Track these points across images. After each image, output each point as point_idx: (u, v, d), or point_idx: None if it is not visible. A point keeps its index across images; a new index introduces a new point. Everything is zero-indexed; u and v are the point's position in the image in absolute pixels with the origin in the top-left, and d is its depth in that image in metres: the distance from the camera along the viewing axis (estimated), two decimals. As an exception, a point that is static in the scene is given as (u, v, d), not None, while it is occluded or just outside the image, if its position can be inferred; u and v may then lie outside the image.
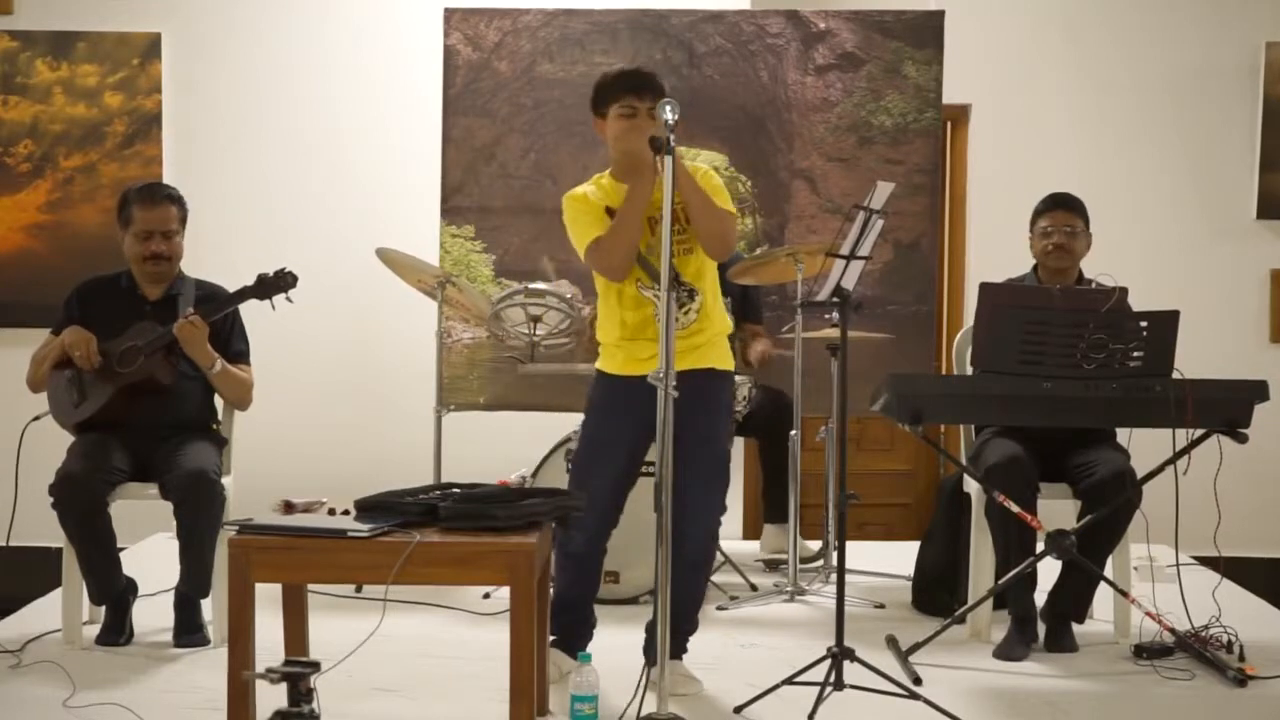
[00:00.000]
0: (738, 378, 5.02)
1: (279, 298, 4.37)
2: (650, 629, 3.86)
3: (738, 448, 6.09)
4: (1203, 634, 4.21)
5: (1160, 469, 4.15)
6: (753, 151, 5.79)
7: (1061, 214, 4.54)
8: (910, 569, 5.02)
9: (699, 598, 3.96)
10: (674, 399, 3.41)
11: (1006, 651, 4.25)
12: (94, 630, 4.35)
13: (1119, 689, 3.99)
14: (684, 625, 3.89)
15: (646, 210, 3.72)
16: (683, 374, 3.52)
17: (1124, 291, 4.07)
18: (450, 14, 5.78)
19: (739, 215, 5.77)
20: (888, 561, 5.46)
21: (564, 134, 5.66)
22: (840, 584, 3.73)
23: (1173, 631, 4.18)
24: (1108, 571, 4.34)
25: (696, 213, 3.70)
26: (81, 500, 4.16)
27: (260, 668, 3.11)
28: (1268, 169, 6.34)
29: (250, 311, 4.46)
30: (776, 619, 4.75)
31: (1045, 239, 4.54)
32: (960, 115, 6.58)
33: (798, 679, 3.70)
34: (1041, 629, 4.37)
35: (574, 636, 3.89)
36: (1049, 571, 4.35)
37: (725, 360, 3.91)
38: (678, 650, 3.88)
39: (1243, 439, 4.04)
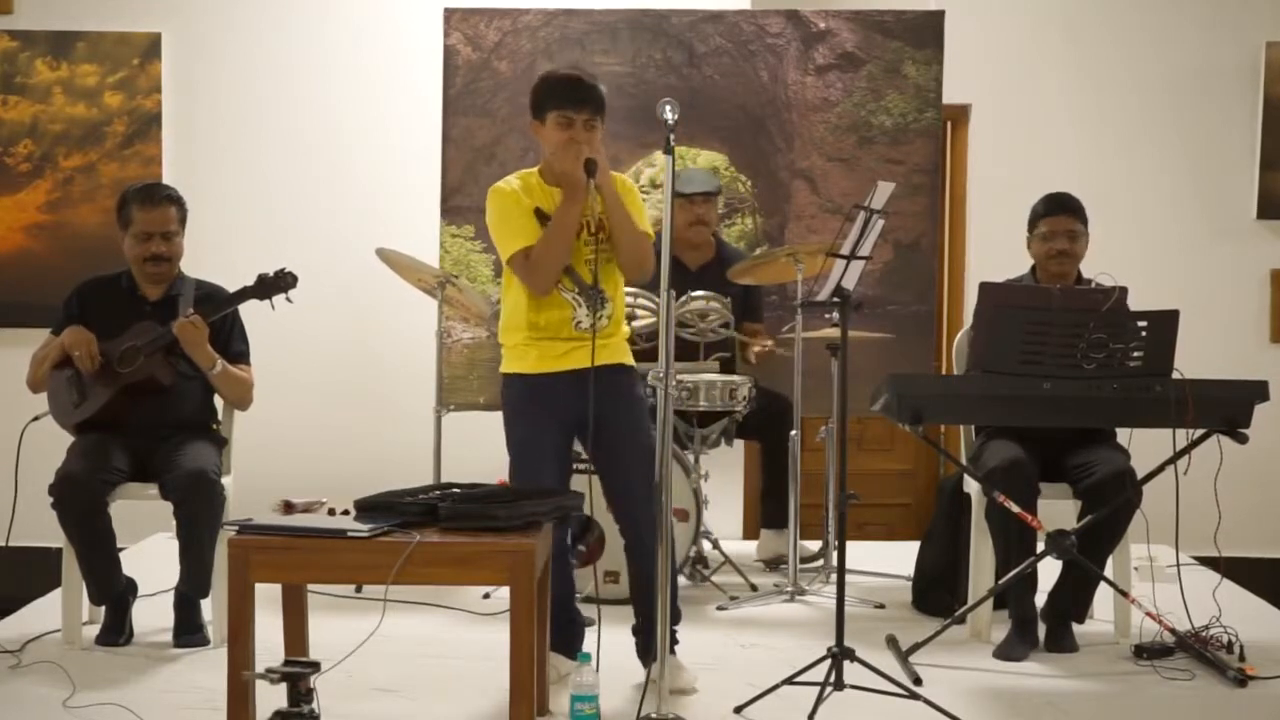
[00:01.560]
0: (738, 378, 5.04)
1: (279, 298, 4.37)
2: (636, 633, 3.87)
3: (737, 449, 6.09)
4: (1203, 634, 4.21)
5: (1160, 469, 4.15)
6: (753, 151, 5.79)
7: (1062, 218, 4.53)
8: (910, 569, 5.02)
9: (673, 584, 3.95)
10: (592, 393, 3.53)
11: (1006, 651, 4.25)
12: (94, 630, 4.35)
13: (1119, 689, 3.99)
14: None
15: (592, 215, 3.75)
16: (602, 369, 3.64)
17: (1124, 291, 4.07)
18: (450, 14, 5.78)
19: (741, 216, 5.78)
20: (888, 561, 5.46)
21: (564, 134, 5.66)
22: (840, 584, 3.73)
23: (1173, 631, 4.18)
24: (1108, 572, 4.34)
25: (620, 237, 3.73)
26: (81, 500, 4.16)
27: (260, 668, 3.12)
28: (1268, 169, 6.34)
29: (250, 311, 4.46)
30: (776, 619, 4.75)
31: (1047, 243, 4.54)
32: (960, 115, 6.58)
33: (798, 679, 3.70)
34: (1041, 629, 4.37)
35: (569, 636, 3.90)
36: (1049, 571, 4.35)
37: (630, 358, 3.92)
38: (670, 645, 3.88)
39: (1243, 439, 4.04)
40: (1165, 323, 4.00)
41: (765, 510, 5.57)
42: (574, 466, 3.99)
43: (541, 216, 3.75)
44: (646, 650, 3.74)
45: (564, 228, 3.71)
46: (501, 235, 3.81)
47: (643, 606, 3.79)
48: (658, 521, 3.45)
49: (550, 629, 3.86)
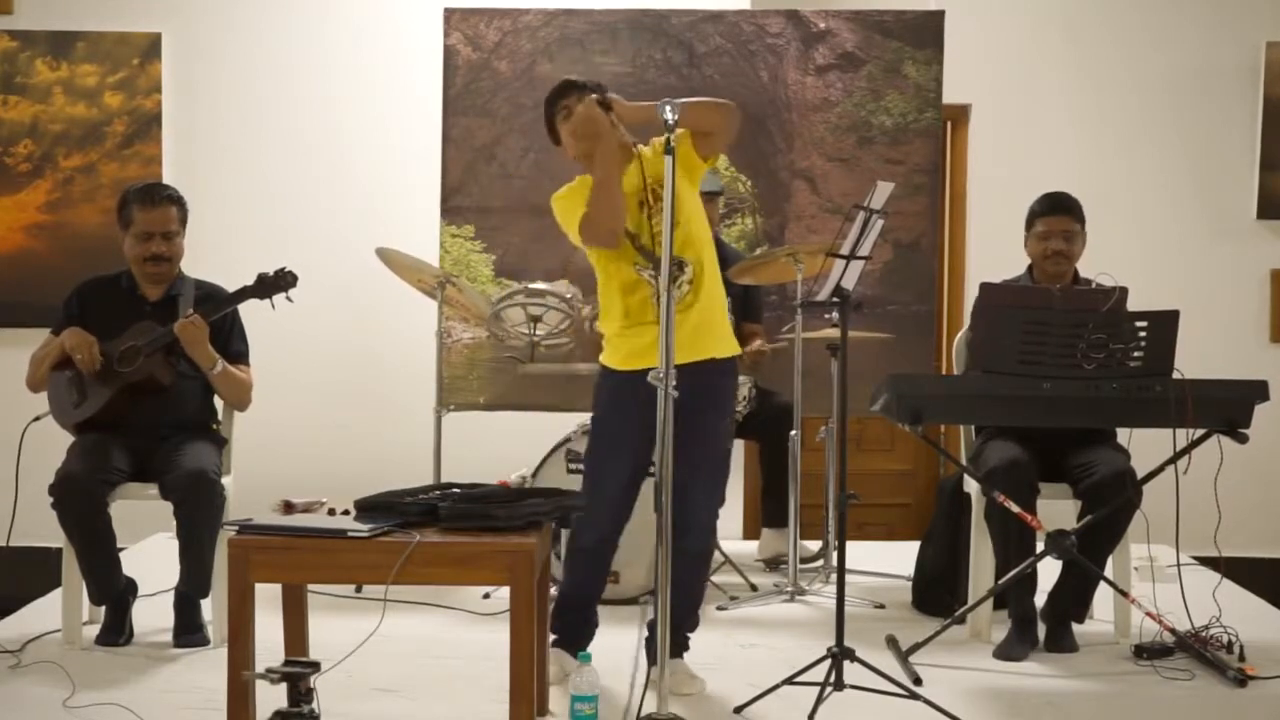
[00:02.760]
0: (738, 377, 5.03)
1: (279, 297, 4.37)
2: (653, 626, 3.86)
3: (738, 448, 6.09)
4: (1203, 634, 4.21)
5: (1160, 469, 4.15)
6: (753, 151, 5.79)
7: (1058, 218, 4.53)
8: (910, 569, 5.02)
9: (699, 595, 3.97)
10: (680, 386, 3.43)
11: (1006, 651, 4.25)
12: (94, 630, 4.36)
13: (1119, 689, 3.99)
14: (685, 622, 3.89)
15: (633, 192, 3.77)
16: (683, 368, 3.52)
17: (1124, 291, 4.07)
18: (450, 14, 5.78)
19: (741, 215, 5.78)
20: (888, 561, 5.46)
21: (564, 134, 5.66)
22: (840, 584, 3.73)
23: (1173, 631, 4.18)
24: (1108, 572, 4.34)
25: (691, 117, 3.63)
26: (81, 500, 4.16)
27: (260, 668, 3.13)
28: (1268, 169, 6.34)
29: (250, 311, 4.46)
30: (776, 619, 4.75)
31: (1043, 243, 4.54)
32: (960, 115, 6.58)
33: (798, 679, 3.70)
34: (1041, 629, 4.37)
35: (577, 636, 3.89)
36: (1049, 572, 4.35)
37: (725, 345, 3.90)
38: (679, 649, 3.89)
39: (1243, 439, 4.04)
40: (1165, 323, 4.00)
41: (766, 509, 5.57)
42: (575, 467, 3.98)
43: None
44: (654, 647, 3.72)
45: (605, 172, 3.72)
46: (567, 223, 3.88)
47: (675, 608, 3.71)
48: (658, 521, 3.43)
49: (564, 626, 3.86)
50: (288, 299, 4.38)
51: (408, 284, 5.26)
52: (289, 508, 3.41)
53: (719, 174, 5.71)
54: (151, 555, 5.25)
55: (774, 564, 5.50)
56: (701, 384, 3.72)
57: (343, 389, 6.31)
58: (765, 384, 5.33)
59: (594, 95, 3.75)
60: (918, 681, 3.87)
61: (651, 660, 3.62)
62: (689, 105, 3.55)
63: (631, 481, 3.90)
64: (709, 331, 3.85)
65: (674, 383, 3.41)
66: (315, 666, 3.14)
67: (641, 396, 3.59)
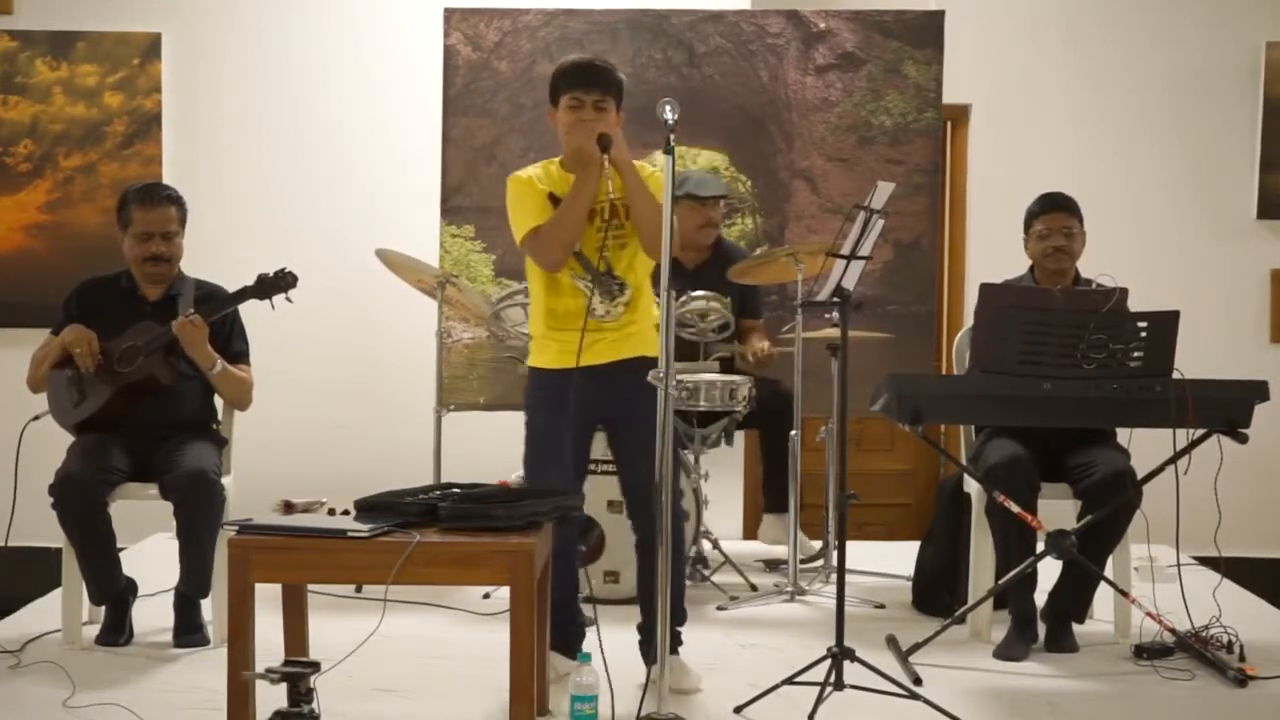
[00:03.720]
0: (738, 378, 5.04)
1: (279, 298, 4.37)
2: (642, 630, 3.86)
3: (737, 449, 6.09)
4: (1203, 634, 4.21)
5: (1160, 469, 4.15)
6: (753, 151, 5.79)
7: (1057, 216, 4.53)
8: (910, 569, 5.02)
9: (680, 585, 3.96)
10: (611, 387, 3.52)
11: (1006, 651, 4.25)
12: (94, 630, 4.35)
13: (1119, 689, 3.99)
14: (673, 617, 3.89)
15: (614, 192, 3.73)
16: (617, 363, 3.64)
17: (1124, 292, 4.06)
18: (450, 14, 5.78)
19: (741, 215, 5.78)
20: (888, 561, 5.46)
21: (564, 134, 5.66)
22: (840, 584, 3.73)
23: (1173, 631, 4.18)
24: (1108, 571, 4.34)
25: (641, 210, 3.69)
26: (81, 500, 4.16)
27: (260, 668, 3.12)
28: (1268, 169, 6.34)
29: (250, 311, 4.46)
30: (776, 619, 4.75)
31: (1042, 242, 4.54)
32: (960, 115, 6.58)
33: (798, 679, 3.70)
34: (1042, 629, 4.37)
35: (568, 637, 3.89)
36: (1049, 571, 4.35)
37: (651, 346, 3.87)
38: (673, 644, 3.88)
39: (1243, 439, 4.04)
40: (1165, 323, 4.00)
41: (766, 496, 5.56)
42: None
43: (555, 200, 3.76)
44: (649, 649, 3.73)
45: (577, 202, 3.70)
46: (516, 217, 3.81)
47: (650, 605, 3.78)
48: (659, 521, 3.44)
49: (551, 629, 3.86)
50: (287, 299, 4.38)
51: (408, 284, 5.26)
52: (289, 508, 3.41)
53: (718, 173, 5.71)
54: (151, 555, 5.24)
55: (774, 563, 5.50)
56: (635, 375, 3.69)
57: (343, 389, 6.31)
58: (764, 375, 5.32)
59: (599, 132, 3.65)
60: (918, 681, 3.87)
61: (649, 662, 3.63)
62: (642, 193, 3.64)
63: (575, 481, 3.88)
64: (641, 338, 3.84)
65: (674, 380, 3.42)
66: (315, 666, 3.14)
67: (573, 394, 3.65)
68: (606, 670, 3.42)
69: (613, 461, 4.06)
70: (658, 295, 3.59)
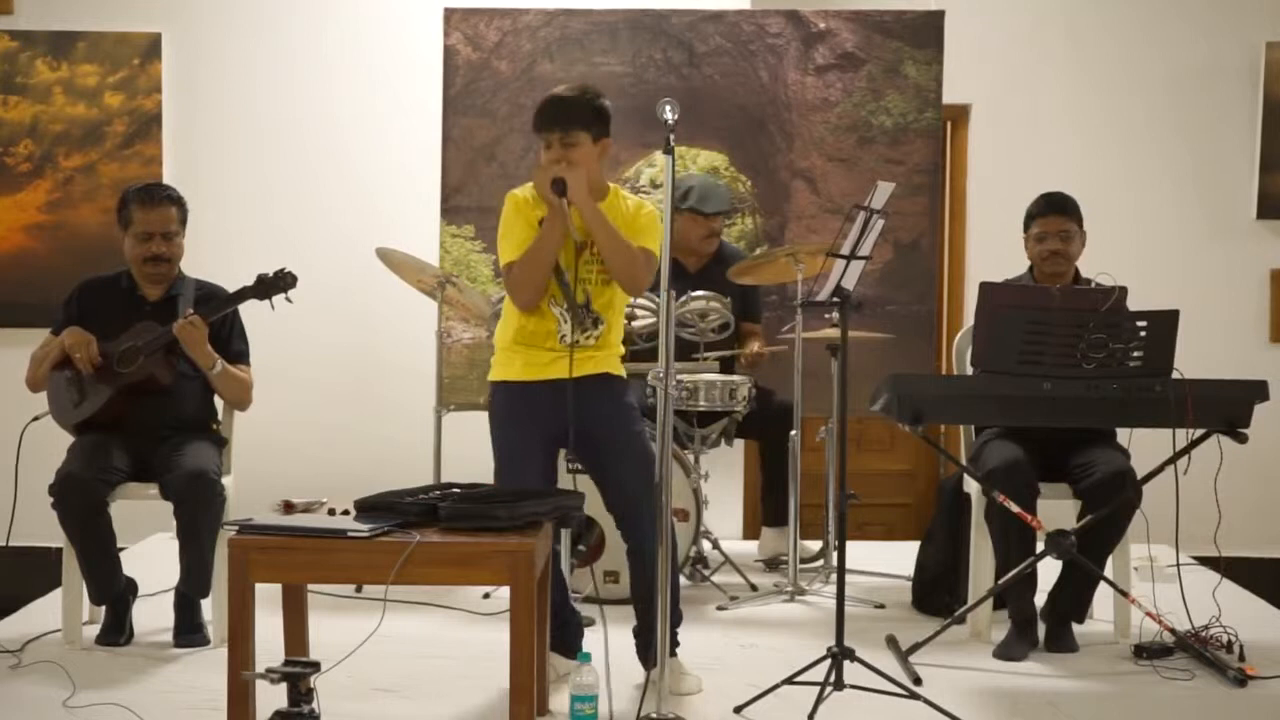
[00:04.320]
0: (738, 378, 5.04)
1: (279, 298, 4.37)
2: (637, 634, 3.86)
3: (737, 449, 6.09)
4: (1203, 634, 4.21)
5: (1160, 469, 4.15)
6: (753, 151, 5.79)
7: (1055, 218, 4.53)
8: (910, 569, 5.02)
9: (675, 587, 3.95)
10: (578, 401, 3.55)
11: (1006, 651, 4.25)
12: (94, 630, 4.35)
13: (1119, 689, 3.99)
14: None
15: (577, 235, 3.70)
16: (582, 378, 3.66)
17: (1124, 291, 4.06)
18: (450, 14, 5.78)
19: (741, 216, 5.78)
20: (888, 561, 5.46)
21: (564, 134, 5.66)
22: (840, 584, 3.72)
23: (1173, 631, 4.18)
24: (1108, 571, 4.34)
25: (605, 250, 3.68)
26: (81, 500, 4.16)
27: (260, 668, 3.12)
28: (1268, 169, 6.34)
29: (250, 311, 4.46)
30: (776, 619, 4.75)
31: (1040, 244, 4.54)
32: (960, 115, 6.58)
33: (798, 679, 3.70)
34: (1041, 629, 4.37)
35: (567, 637, 3.89)
36: (1049, 571, 4.35)
37: (619, 368, 3.88)
38: (671, 646, 3.88)
39: (1243, 439, 4.04)
40: (1165, 323, 4.00)
41: (766, 508, 5.57)
42: (575, 467, 3.98)
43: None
44: (646, 652, 3.74)
45: (540, 248, 3.67)
46: (501, 244, 3.80)
47: (643, 608, 3.79)
48: (658, 521, 3.44)
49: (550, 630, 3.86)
50: (287, 299, 4.38)
51: (408, 284, 5.26)
52: (289, 508, 3.41)
53: (718, 173, 5.71)
54: (151, 555, 5.25)
55: (774, 564, 5.50)
56: (600, 388, 3.74)
57: (343, 389, 6.31)
58: (765, 383, 5.33)
59: (554, 177, 3.61)
60: (918, 681, 3.87)
61: (646, 665, 3.64)
62: (604, 234, 3.64)
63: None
64: (606, 361, 3.83)
65: (674, 382, 3.43)
66: (315, 666, 3.14)
67: (541, 405, 3.69)
68: (607, 670, 3.42)
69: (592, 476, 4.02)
70: (656, 297, 3.59)
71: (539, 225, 3.72)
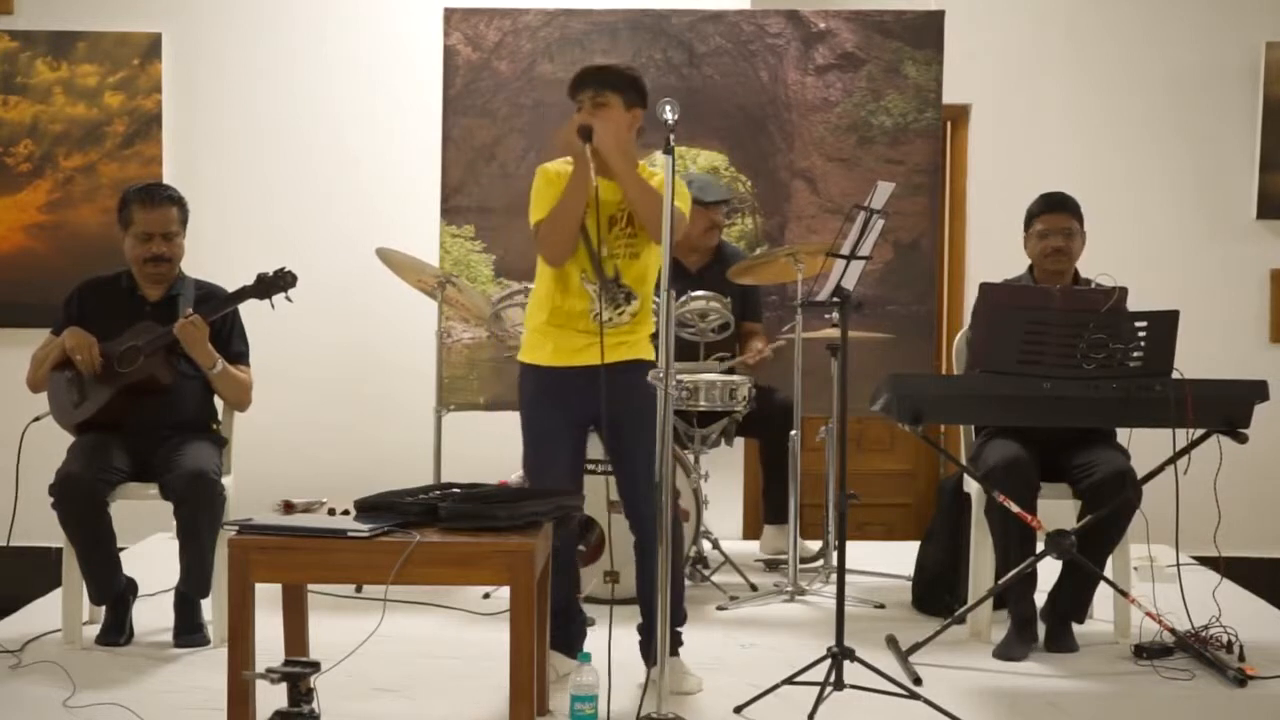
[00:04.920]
0: (737, 377, 5.04)
1: (279, 297, 4.37)
2: (642, 631, 3.87)
3: (737, 448, 6.09)
4: (1203, 634, 4.21)
5: (1160, 469, 4.15)
6: (753, 151, 5.79)
7: (1056, 216, 4.54)
8: (910, 569, 5.02)
9: (679, 586, 3.96)
10: (610, 387, 3.52)
11: (1006, 651, 4.25)
12: (94, 630, 4.35)
13: (1119, 689, 3.99)
14: (672, 617, 3.89)
15: (606, 210, 3.73)
16: (613, 365, 3.65)
17: (1124, 291, 4.07)
18: (450, 14, 5.78)
19: (741, 216, 5.78)
20: (888, 561, 5.46)
21: (564, 134, 5.66)
22: (840, 584, 3.73)
23: (1173, 631, 4.18)
24: (1108, 571, 4.34)
25: (631, 197, 3.71)
26: (81, 500, 4.16)
27: (260, 668, 3.12)
28: (1268, 169, 6.34)
29: (250, 311, 4.46)
30: (776, 619, 4.75)
31: (1042, 241, 4.54)
32: (960, 115, 6.58)
33: (798, 679, 3.70)
34: (1041, 629, 4.37)
35: (568, 636, 3.90)
36: (1049, 571, 4.35)
37: (650, 352, 3.90)
38: (673, 646, 3.88)
39: (1243, 439, 4.04)
40: (1165, 323, 4.00)
41: (767, 506, 5.57)
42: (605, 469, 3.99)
43: None
44: (649, 650, 3.74)
45: (567, 197, 3.72)
46: (532, 208, 3.85)
47: (649, 605, 3.78)
48: (658, 520, 3.44)
49: (552, 629, 3.86)
50: (287, 299, 4.38)
51: (408, 284, 5.26)
52: (289, 508, 3.41)
53: (718, 173, 5.71)
54: (151, 555, 5.25)
55: (774, 563, 5.50)
56: (630, 377, 3.73)
57: (343, 389, 6.31)
58: (765, 381, 5.33)
59: (579, 121, 3.70)
60: (918, 681, 3.87)
61: (649, 662, 3.63)
62: (629, 179, 3.66)
63: (574, 479, 3.89)
64: (639, 345, 3.87)
65: (674, 380, 3.43)
66: (315, 666, 3.14)
67: (570, 391, 3.69)
68: (608, 670, 3.42)
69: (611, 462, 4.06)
70: (656, 298, 3.59)
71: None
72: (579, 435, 3.89)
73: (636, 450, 3.74)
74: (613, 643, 3.43)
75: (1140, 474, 4.23)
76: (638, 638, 3.89)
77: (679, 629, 3.92)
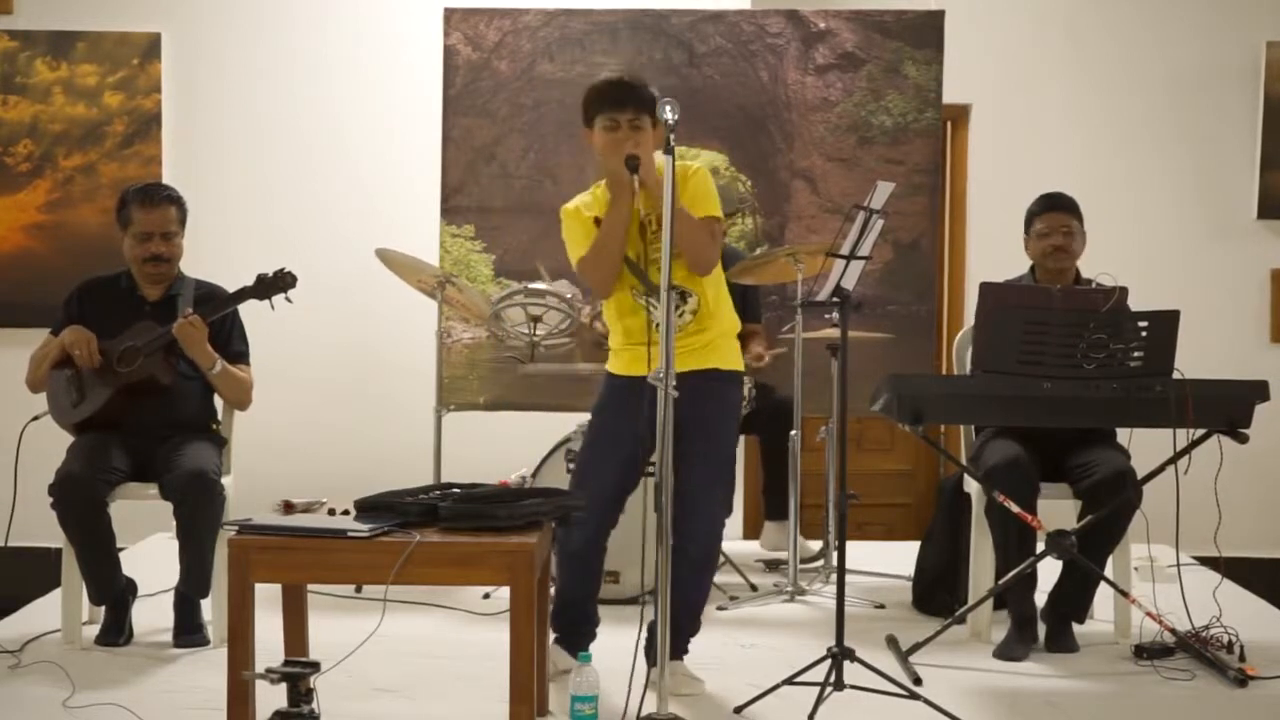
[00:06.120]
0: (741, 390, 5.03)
1: (278, 298, 4.37)
2: (653, 628, 3.85)
3: (739, 447, 6.07)
4: (1203, 634, 4.21)
5: (1161, 469, 4.15)
6: (753, 151, 5.78)
7: (1057, 215, 4.54)
8: (910, 569, 5.02)
9: (702, 600, 3.95)
10: (676, 399, 3.41)
11: (1006, 651, 4.25)
12: (94, 630, 4.35)
13: (1119, 689, 3.99)
14: (686, 627, 3.89)
15: (636, 216, 3.75)
16: (685, 375, 3.56)
17: (1124, 291, 4.06)
18: (450, 14, 5.78)
19: (741, 216, 5.77)
20: (888, 561, 5.46)
21: (564, 134, 5.65)
22: (840, 584, 3.72)
23: (1173, 631, 4.18)
24: (1108, 571, 4.34)
25: (677, 238, 3.57)
26: (81, 500, 4.16)
27: (260, 668, 3.12)
28: (1268, 169, 6.34)
29: (250, 311, 4.46)
30: (776, 619, 4.75)
31: (1042, 240, 4.54)
32: (960, 115, 6.58)
33: (798, 679, 3.70)
34: (1041, 629, 4.37)
35: (576, 635, 3.89)
36: (1049, 571, 4.35)
37: (730, 360, 3.91)
38: (678, 651, 3.88)
39: (1243, 439, 4.04)
40: (1165, 323, 4.00)
41: (768, 503, 5.57)
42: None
43: (600, 224, 3.81)
44: (654, 649, 3.71)
45: (610, 229, 3.74)
46: (570, 250, 3.89)
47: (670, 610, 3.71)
48: (659, 520, 3.43)
49: (563, 625, 3.86)
50: (287, 299, 4.38)
51: (408, 284, 5.26)
52: (289, 508, 3.41)
53: (718, 174, 5.70)
54: (151, 555, 5.25)
55: (774, 563, 5.50)
56: (703, 389, 3.75)
57: (343, 389, 6.31)
58: (765, 380, 5.32)
59: (627, 154, 3.62)
60: (918, 681, 3.87)
61: (650, 662, 3.63)
62: (685, 221, 3.61)
63: (622, 484, 3.89)
64: (715, 351, 3.87)
65: (674, 383, 3.41)
66: (315, 666, 3.14)
67: (639, 400, 3.61)
68: (613, 672, 3.42)
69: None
70: (659, 301, 3.54)
71: (594, 222, 3.80)
72: (639, 446, 3.77)
73: (693, 459, 3.71)
74: (613, 643, 3.42)
75: (1140, 474, 4.23)
76: (643, 636, 3.87)
77: (689, 637, 3.91)
